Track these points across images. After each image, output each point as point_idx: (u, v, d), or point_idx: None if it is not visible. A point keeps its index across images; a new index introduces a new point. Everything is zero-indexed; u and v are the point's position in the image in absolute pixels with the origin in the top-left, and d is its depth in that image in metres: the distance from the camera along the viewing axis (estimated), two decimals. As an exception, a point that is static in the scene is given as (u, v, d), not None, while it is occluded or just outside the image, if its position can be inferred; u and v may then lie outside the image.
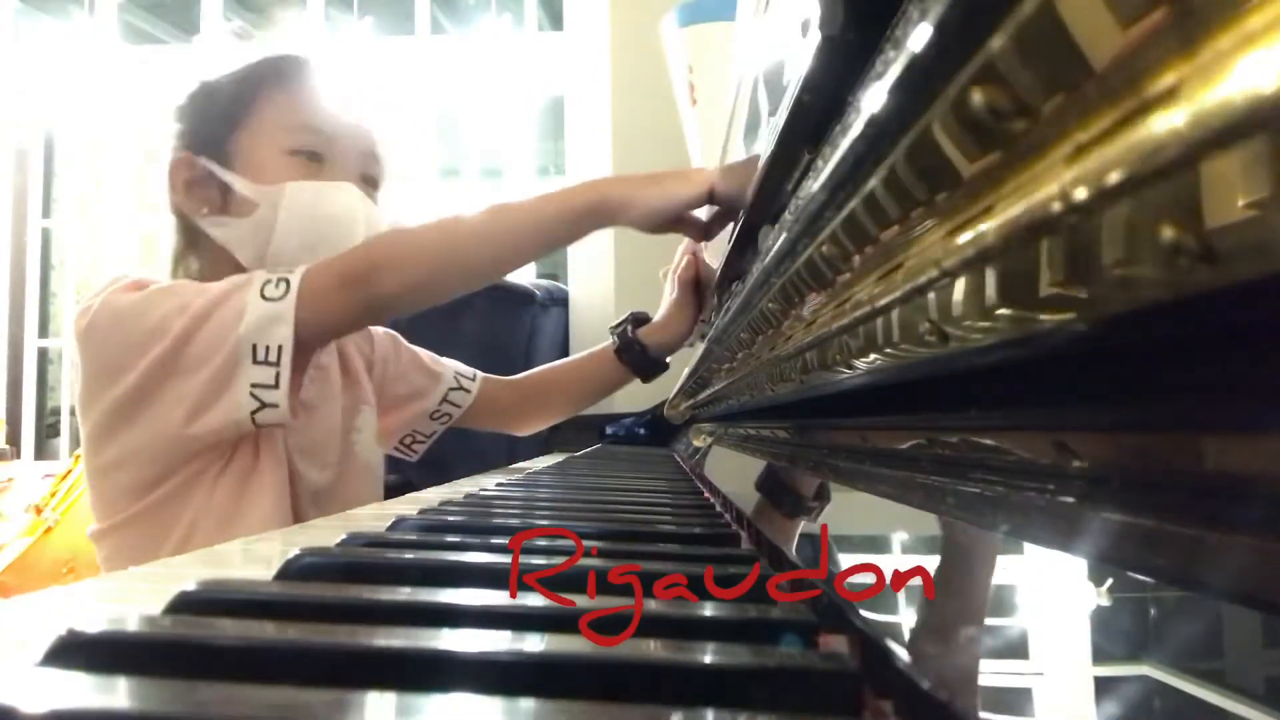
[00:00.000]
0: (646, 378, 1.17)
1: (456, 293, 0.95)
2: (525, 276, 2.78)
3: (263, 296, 0.82)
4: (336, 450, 1.00)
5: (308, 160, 0.93)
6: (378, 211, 0.98)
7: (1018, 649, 0.21)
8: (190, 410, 0.82)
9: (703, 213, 0.92)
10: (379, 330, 1.15)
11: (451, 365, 1.19)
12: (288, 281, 0.83)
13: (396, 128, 1.06)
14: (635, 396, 1.54)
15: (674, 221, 0.91)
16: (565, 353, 1.19)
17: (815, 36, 0.25)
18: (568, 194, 0.91)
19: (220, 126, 0.94)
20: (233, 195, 0.93)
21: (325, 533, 0.47)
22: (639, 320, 1.16)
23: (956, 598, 0.28)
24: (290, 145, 0.93)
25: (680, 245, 1.12)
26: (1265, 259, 0.10)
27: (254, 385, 0.81)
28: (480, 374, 1.20)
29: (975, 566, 0.27)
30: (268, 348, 0.81)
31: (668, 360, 1.16)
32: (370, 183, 0.99)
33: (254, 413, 0.81)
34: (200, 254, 0.98)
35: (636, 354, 1.14)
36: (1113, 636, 0.17)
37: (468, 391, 1.16)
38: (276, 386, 0.81)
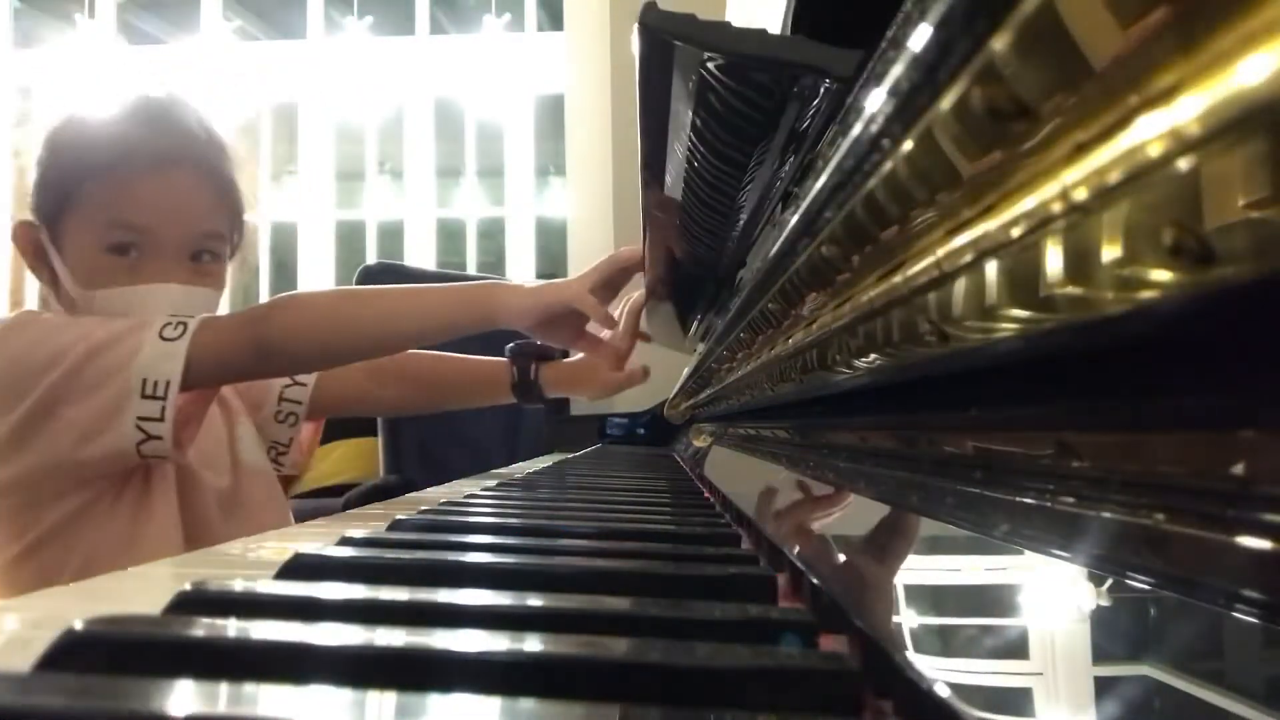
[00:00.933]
0: (523, 398, 1.17)
1: (344, 356, 0.99)
2: (525, 276, 2.78)
3: (161, 336, 0.85)
4: (227, 457, 1.03)
5: (120, 256, 0.93)
6: (204, 295, 0.97)
7: (1017, 649, 0.21)
8: (79, 437, 0.85)
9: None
10: None
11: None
12: (185, 325, 0.86)
13: (245, 192, 1.04)
14: (635, 397, 1.54)
15: (549, 323, 0.98)
16: (564, 355, 1.18)
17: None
18: (461, 289, 0.99)
19: (53, 204, 0.95)
20: (60, 282, 0.95)
21: (322, 534, 0.47)
22: (543, 356, 1.14)
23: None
24: (105, 242, 0.93)
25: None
26: (1265, 259, 0.10)
27: (140, 418, 0.84)
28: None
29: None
30: (156, 382, 0.84)
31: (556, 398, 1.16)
32: (202, 259, 0.98)
33: (139, 444, 0.84)
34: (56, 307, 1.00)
35: (533, 395, 1.14)
36: (1113, 637, 0.17)
37: (303, 385, 1.15)
38: (162, 420, 0.83)
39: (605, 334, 1.06)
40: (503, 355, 1.16)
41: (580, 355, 1.13)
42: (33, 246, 0.97)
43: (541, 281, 1.01)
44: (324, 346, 0.95)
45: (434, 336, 0.99)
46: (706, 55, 0.33)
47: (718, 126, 0.39)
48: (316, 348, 0.95)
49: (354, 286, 1.02)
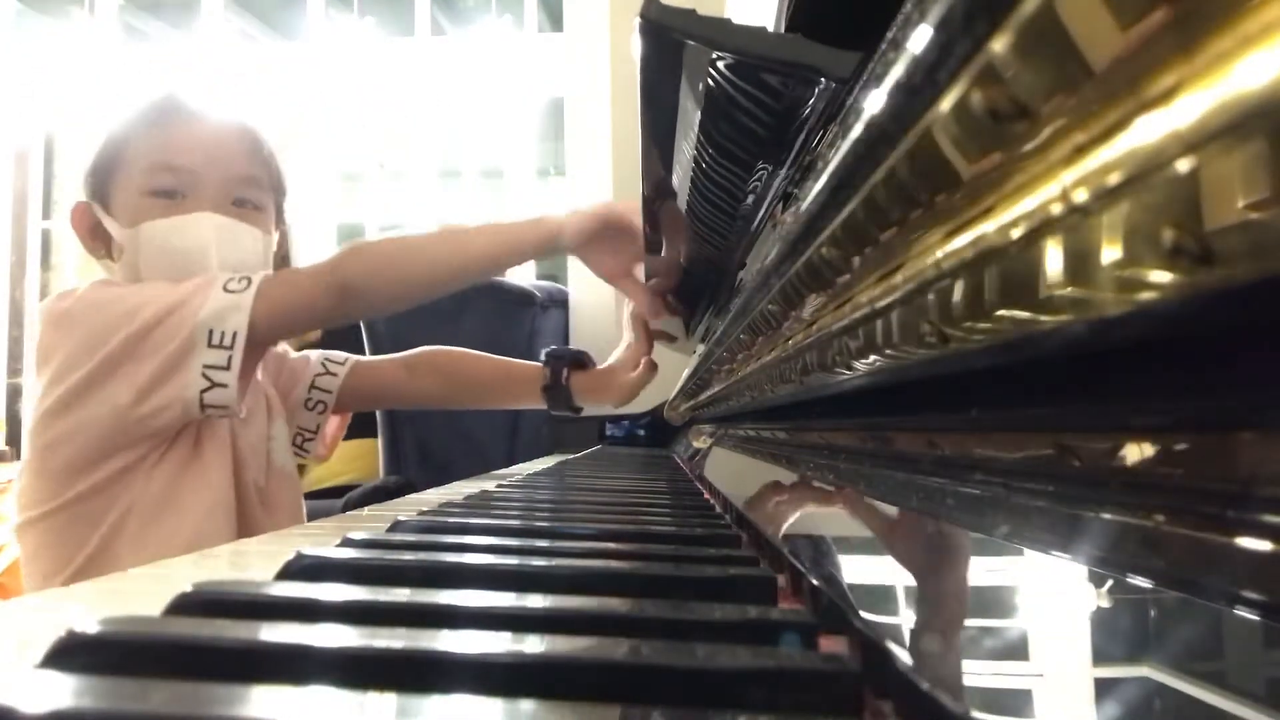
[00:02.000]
0: (555, 405, 1.18)
1: (422, 291, 1.01)
2: (525, 277, 2.78)
3: (225, 289, 0.89)
4: (265, 456, 1.05)
5: (165, 199, 0.98)
6: (248, 231, 1.01)
7: (1017, 650, 0.21)
8: (140, 390, 0.87)
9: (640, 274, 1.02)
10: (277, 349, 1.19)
11: (321, 353, 1.22)
12: (250, 279, 0.90)
13: (283, 140, 1.11)
14: (635, 398, 1.54)
15: (601, 243, 1.00)
16: (592, 364, 1.19)
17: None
18: (521, 221, 1.02)
19: (105, 174, 1.00)
20: (114, 239, 1.00)
21: (322, 535, 0.47)
22: (578, 362, 1.16)
23: (945, 596, 0.28)
24: (148, 186, 0.98)
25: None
26: (1265, 259, 0.10)
27: (207, 366, 0.87)
28: (352, 357, 1.21)
29: (958, 563, 0.28)
30: (223, 333, 0.87)
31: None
32: (242, 204, 1.02)
33: (203, 391, 0.87)
34: None
35: (561, 400, 1.15)
36: (1113, 638, 0.17)
37: (334, 375, 1.18)
38: (228, 369, 0.86)
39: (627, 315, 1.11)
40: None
41: (607, 362, 1.15)
42: (87, 224, 1.02)
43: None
44: (403, 283, 0.98)
45: (505, 262, 1.04)
46: (710, 53, 0.33)
47: (718, 123, 0.39)
48: (397, 285, 0.98)
49: (420, 235, 1.06)
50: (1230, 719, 0.14)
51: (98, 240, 1.02)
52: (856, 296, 0.25)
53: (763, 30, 0.35)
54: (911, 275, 0.20)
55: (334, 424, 1.23)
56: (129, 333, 0.87)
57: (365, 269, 0.95)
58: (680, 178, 0.48)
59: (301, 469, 1.38)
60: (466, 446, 1.84)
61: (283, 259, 1.11)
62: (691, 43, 0.33)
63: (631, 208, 0.97)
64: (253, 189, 1.03)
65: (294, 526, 0.56)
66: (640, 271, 0.99)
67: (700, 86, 0.36)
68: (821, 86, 0.34)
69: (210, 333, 0.86)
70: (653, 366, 1.13)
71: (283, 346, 1.20)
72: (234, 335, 0.87)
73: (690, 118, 0.39)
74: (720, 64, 0.34)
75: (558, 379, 1.13)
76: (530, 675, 0.19)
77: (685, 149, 0.44)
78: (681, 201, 0.52)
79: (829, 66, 0.33)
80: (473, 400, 1.23)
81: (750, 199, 0.47)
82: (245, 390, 0.95)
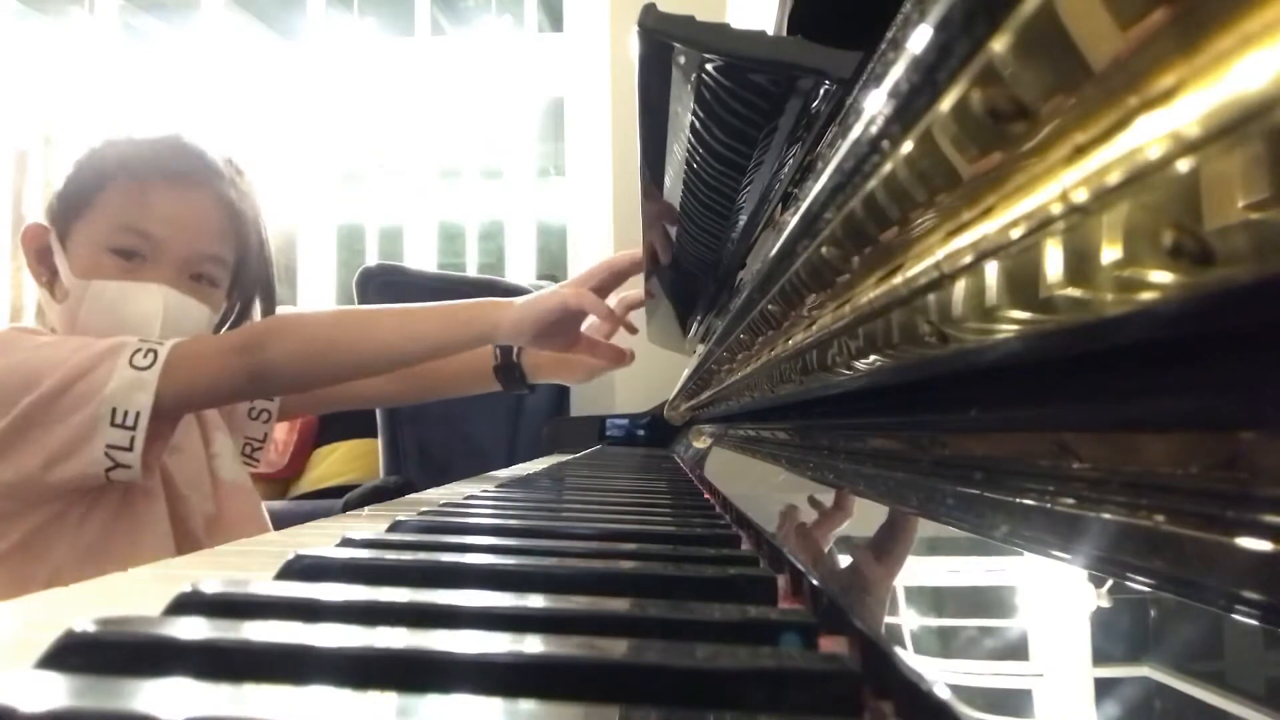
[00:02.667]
0: (509, 386, 1.17)
1: (339, 379, 1.00)
2: (525, 277, 2.78)
3: (131, 364, 0.86)
4: (208, 480, 1.04)
5: (124, 260, 0.95)
6: (198, 308, 0.99)
7: (1017, 650, 0.21)
8: (48, 459, 0.85)
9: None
10: None
11: None
12: (155, 352, 0.86)
13: (259, 234, 1.06)
14: (635, 398, 1.54)
15: (544, 333, 0.98)
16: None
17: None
18: (456, 309, 0.98)
19: (71, 208, 0.97)
20: (58, 277, 0.97)
21: (322, 535, 0.47)
22: None
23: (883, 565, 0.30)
24: (111, 243, 0.95)
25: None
26: (1265, 259, 0.10)
27: (109, 446, 0.85)
28: None
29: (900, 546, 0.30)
30: (126, 412, 0.84)
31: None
32: (202, 280, 1.00)
33: (108, 470, 0.85)
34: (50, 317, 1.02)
35: (514, 379, 1.15)
36: (1113, 638, 0.17)
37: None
38: (130, 449, 0.84)
39: (603, 330, 1.07)
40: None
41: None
42: (37, 247, 0.99)
43: (532, 294, 1.02)
44: (319, 371, 0.96)
45: (430, 358, 1.00)
46: (706, 57, 0.33)
47: (717, 128, 0.39)
48: (312, 372, 0.96)
49: (347, 308, 1.01)
50: (1230, 719, 0.14)
51: (43, 266, 0.99)
52: (856, 296, 0.25)
53: (761, 34, 0.35)
54: (911, 275, 0.20)
55: (283, 430, 1.22)
56: (35, 398, 0.84)
57: (286, 352, 0.91)
58: (679, 181, 0.48)
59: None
60: (466, 446, 1.84)
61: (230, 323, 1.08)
62: (690, 49, 0.33)
63: (590, 300, 0.97)
64: (213, 265, 1.00)
65: (294, 526, 0.56)
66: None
67: (697, 92, 0.36)
68: (822, 88, 0.34)
69: (114, 411, 0.84)
70: (630, 355, 1.11)
71: None
72: (137, 416, 0.84)
73: (686, 122, 0.39)
74: (717, 69, 0.34)
75: (508, 358, 1.13)
76: (530, 675, 0.19)
77: (682, 154, 0.44)
78: (681, 204, 0.52)
79: (829, 68, 0.33)
80: (428, 394, 1.22)
81: (749, 200, 0.47)
82: (160, 450, 0.92)
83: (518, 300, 0.98)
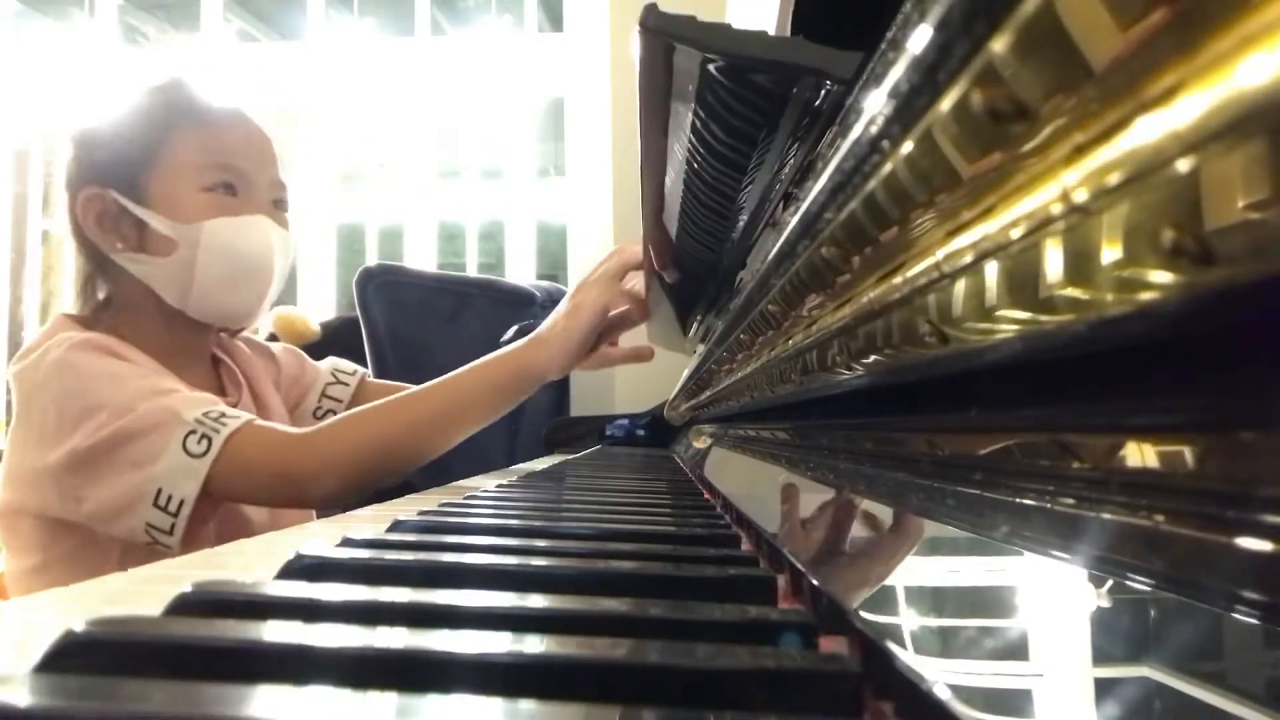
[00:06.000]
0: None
1: (399, 475, 0.97)
2: (525, 277, 2.78)
3: (184, 447, 0.84)
4: None
5: (222, 196, 0.96)
6: (288, 237, 1.01)
7: (1017, 650, 0.21)
8: (92, 512, 0.85)
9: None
10: (277, 347, 1.19)
11: (332, 362, 1.21)
12: (210, 440, 0.84)
13: (292, 142, 1.09)
14: (635, 398, 1.54)
15: (596, 348, 1.01)
16: None
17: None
18: (500, 367, 0.98)
19: (133, 164, 0.96)
20: (149, 233, 0.96)
21: (323, 534, 0.47)
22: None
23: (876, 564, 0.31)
24: (205, 183, 0.96)
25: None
26: (1265, 259, 0.10)
27: (150, 525, 0.84)
28: (363, 370, 1.21)
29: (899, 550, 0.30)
30: (170, 496, 0.83)
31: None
32: (279, 206, 1.02)
33: (147, 543, 0.84)
34: (110, 282, 1.00)
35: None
36: (1113, 638, 0.17)
37: (345, 385, 1.17)
38: (170, 534, 0.83)
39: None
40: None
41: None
42: (98, 213, 0.96)
43: (550, 317, 1.02)
44: (371, 483, 0.93)
45: (490, 417, 0.99)
46: (707, 57, 0.33)
47: (718, 129, 0.39)
48: (363, 485, 0.92)
49: (390, 402, 0.96)
50: (1230, 719, 0.14)
51: (112, 232, 0.96)
52: (857, 296, 0.25)
53: (762, 34, 0.35)
54: (911, 275, 0.20)
55: None
56: (91, 443, 0.83)
57: (335, 480, 0.88)
58: (679, 182, 0.48)
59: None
60: (466, 447, 1.84)
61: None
62: (691, 49, 0.33)
63: (625, 298, 0.98)
64: (284, 191, 1.03)
65: (294, 526, 0.56)
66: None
67: (698, 92, 0.36)
68: (823, 88, 0.34)
69: (159, 492, 0.83)
70: (649, 352, 1.12)
71: (298, 355, 1.19)
72: (180, 504, 0.83)
73: (687, 122, 0.39)
74: (718, 69, 0.34)
75: None
76: (530, 675, 0.19)
77: (683, 154, 0.44)
78: (681, 204, 0.52)
79: (830, 68, 0.33)
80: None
81: (750, 201, 0.47)
82: (205, 519, 0.89)
83: (549, 334, 0.99)
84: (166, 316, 0.98)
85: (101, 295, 1.00)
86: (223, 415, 0.86)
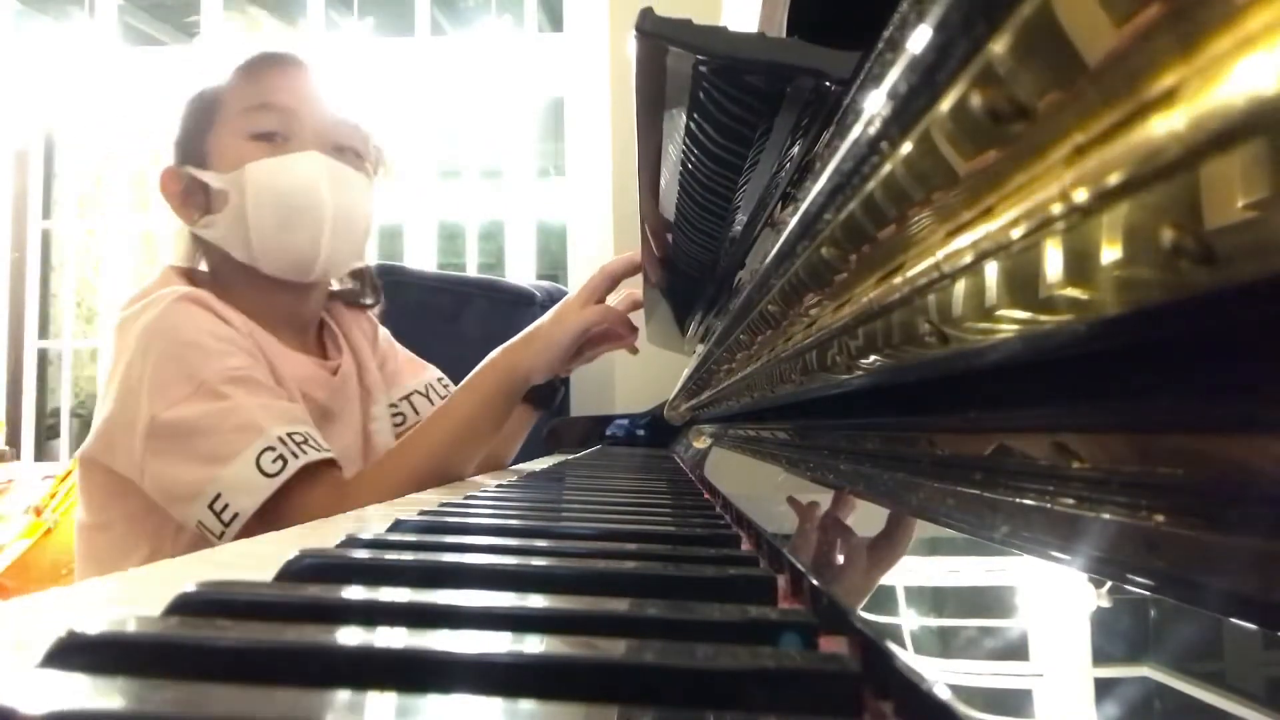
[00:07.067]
0: (544, 405, 1.17)
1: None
2: (525, 277, 2.78)
3: (257, 462, 0.82)
4: (359, 447, 1.03)
5: (269, 141, 0.94)
6: (350, 174, 0.98)
7: (1017, 650, 0.21)
8: (150, 485, 0.85)
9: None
10: (384, 332, 1.18)
11: (438, 373, 1.21)
12: (285, 463, 0.83)
13: (366, 114, 1.07)
14: (636, 398, 1.54)
15: (580, 354, 1.04)
16: None
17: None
18: (491, 378, 0.99)
19: (198, 131, 0.97)
20: (212, 194, 0.95)
21: (323, 535, 0.47)
22: None
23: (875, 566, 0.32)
24: (250, 130, 0.94)
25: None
26: (1265, 259, 0.10)
27: (201, 524, 0.83)
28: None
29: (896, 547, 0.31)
30: (227, 505, 0.82)
31: (556, 384, 1.15)
32: (346, 152, 0.99)
33: (196, 532, 0.84)
34: (207, 255, 1.01)
35: (546, 396, 1.15)
36: (1113, 638, 0.17)
37: (432, 402, 1.15)
38: (219, 539, 0.81)
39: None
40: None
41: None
42: (177, 188, 0.97)
43: (535, 324, 1.03)
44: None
45: (497, 427, 1.00)
46: (703, 59, 0.33)
47: (715, 130, 0.39)
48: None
49: (409, 437, 0.98)
50: (1230, 719, 0.14)
51: (190, 204, 0.97)
52: (856, 296, 0.25)
53: (759, 36, 0.35)
54: (911, 275, 0.20)
55: None
56: (176, 418, 0.82)
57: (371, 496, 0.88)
58: (677, 183, 0.48)
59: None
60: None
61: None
62: (687, 52, 0.33)
63: (611, 315, 1.00)
64: (351, 134, 0.99)
65: (294, 526, 0.56)
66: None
67: (694, 94, 0.36)
68: (820, 89, 0.34)
69: (218, 497, 0.82)
70: (633, 350, 1.13)
71: (391, 341, 1.17)
72: (234, 517, 0.82)
73: (683, 124, 0.39)
74: (714, 71, 0.34)
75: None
76: (530, 675, 0.19)
77: (680, 156, 0.44)
78: (679, 205, 0.52)
79: (827, 69, 0.33)
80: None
81: (748, 201, 0.47)
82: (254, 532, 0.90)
83: (534, 336, 1.00)
84: (255, 283, 0.97)
85: (202, 267, 1.00)
86: (306, 441, 0.85)
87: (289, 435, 0.84)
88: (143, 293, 0.93)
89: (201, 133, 0.96)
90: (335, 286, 1.12)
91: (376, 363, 1.12)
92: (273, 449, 0.83)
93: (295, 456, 0.83)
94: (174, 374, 0.84)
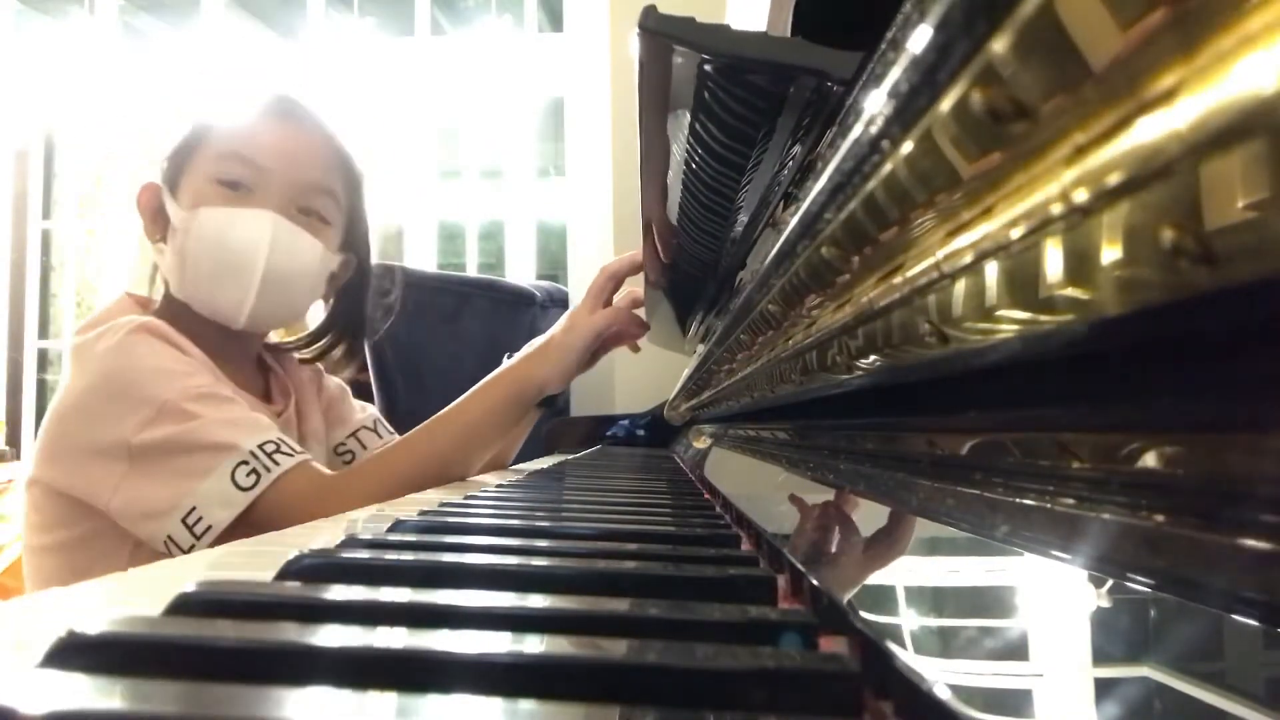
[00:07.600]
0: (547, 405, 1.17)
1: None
2: (525, 277, 2.78)
3: (232, 477, 0.83)
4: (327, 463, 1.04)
5: (230, 189, 0.95)
6: (309, 242, 0.98)
7: (1017, 650, 0.21)
8: (120, 506, 0.84)
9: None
10: (331, 380, 1.18)
11: (375, 413, 1.21)
12: (259, 476, 0.83)
13: (363, 158, 1.08)
14: (636, 398, 1.54)
15: (593, 357, 1.06)
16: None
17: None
18: (502, 385, 1.00)
19: (180, 159, 0.98)
20: (170, 223, 0.96)
21: (323, 535, 0.47)
22: None
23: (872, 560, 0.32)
24: (218, 175, 0.95)
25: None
26: (1265, 259, 0.10)
27: (170, 538, 0.83)
28: (393, 435, 1.18)
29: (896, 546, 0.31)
30: (201, 519, 0.82)
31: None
32: (312, 215, 0.99)
33: (161, 550, 0.83)
34: (166, 280, 1.01)
35: (550, 400, 1.13)
36: (1113, 638, 0.17)
37: (380, 437, 1.16)
38: (186, 552, 0.81)
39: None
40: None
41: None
42: (152, 206, 0.98)
43: (548, 333, 1.05)
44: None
45: (503, 435, 1.02)
46: (706, 58, 0.33)
47: (717, 129, 0.39)
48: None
49: (413, 435, 0.98)
50: (1230, 719, 0.14)
51: (157, 224, 0.98)
52: (857, 296, 0.25)
53: (762, 35, 0.35)
54: (911, 275, 0.20)
55: None
56: (132, 445, 0.82)
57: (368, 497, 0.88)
58: (679, 183, 0.48)
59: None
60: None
61: (342, 290, 1.08)
62: (690, 51, 0.33)
63: (623, 319, 1.02)
64: (323, 199, 0.99)
65: (294, 526, 0.56)
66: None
67: (697, 93, 0.36)
68: (823, 89, 0.34)
69: (192, 510, 0.82)
70: (634, 348, 1.15)
71: (343, 387, 1.18)
72: (207, 530, 0.82)
73: (686, 123, 0.39)
74: (717, 70, 0.34)
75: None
76: (530, 675, 0.19)
77: (682, 155, 0.44)
78: (681, 205, 0.52)
79: (829, 68, 0.33)
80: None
81: (749, 201, 0.47)
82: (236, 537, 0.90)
83: (548, 348, 1.02)
84: (197, 315, 0.98)
85: (162, 287, 1.01)
86: (278, 450, 0.85)
87: (260, 447, 0.85)
88: (99, 318, 0.93)
89: (182, 162, 0.97)
90: (278, 339, 1.13)
91: (321, 407, 1.13)
92: (246, 463, 0.84)
93: (268, 470, 0.84)
94: (139, 398, 0.85)
